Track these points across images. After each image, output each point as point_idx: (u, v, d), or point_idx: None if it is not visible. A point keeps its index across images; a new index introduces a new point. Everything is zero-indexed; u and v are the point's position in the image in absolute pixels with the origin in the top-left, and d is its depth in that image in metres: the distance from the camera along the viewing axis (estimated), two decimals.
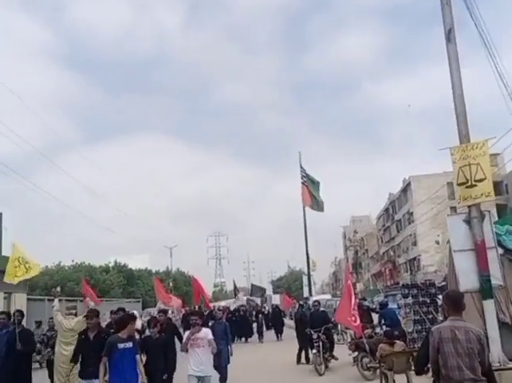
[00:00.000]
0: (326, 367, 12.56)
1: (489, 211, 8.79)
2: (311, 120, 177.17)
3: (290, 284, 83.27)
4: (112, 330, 7.94)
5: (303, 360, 14.35)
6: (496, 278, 8.43)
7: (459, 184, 8.66)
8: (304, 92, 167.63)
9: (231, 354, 10.61)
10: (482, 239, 8.42)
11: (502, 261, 8.67)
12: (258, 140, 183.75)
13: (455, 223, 8.85)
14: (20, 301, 30.33)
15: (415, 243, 58.44)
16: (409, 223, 60.06)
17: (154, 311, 33.65)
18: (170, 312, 28.30)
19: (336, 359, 12.87)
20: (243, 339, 24.44)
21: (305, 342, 14.32)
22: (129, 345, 6.95)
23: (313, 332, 12.89)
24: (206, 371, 7.75)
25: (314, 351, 12.52)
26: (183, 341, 8.20)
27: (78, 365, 8.20)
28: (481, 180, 8.52)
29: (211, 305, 27.79)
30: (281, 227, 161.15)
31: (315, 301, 16.62)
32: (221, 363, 10.30)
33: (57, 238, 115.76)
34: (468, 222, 8.62)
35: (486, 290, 8.30)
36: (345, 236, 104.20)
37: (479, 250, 8.40)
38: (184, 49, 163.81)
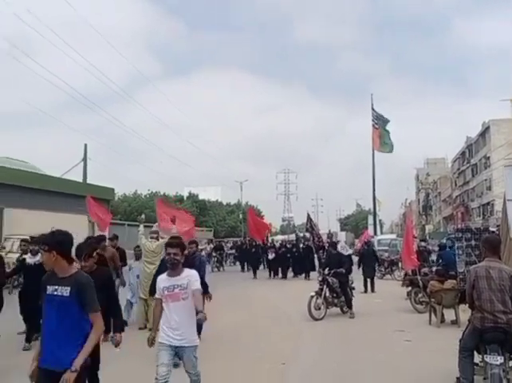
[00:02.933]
0: (342, 310, 11.62)
1: None
2: (392, 61, 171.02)
3: (358, 222, 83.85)
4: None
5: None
6: None
7: None
8: (386, 32, 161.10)
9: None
10: None
11: None
12: (336, 79, 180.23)
13: (511, 173, 9.23)
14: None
15: (489, 188, 56.93)
16: (485, 168, 58.33)
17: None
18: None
19: (352, 316, 11.25)
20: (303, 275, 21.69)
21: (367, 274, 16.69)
22: (62, 290, 3.62)
23: (322, 272, 11.81)
24: (186, 339, 4.75)
25: (312, 293, 11.05)
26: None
27: None
28: None
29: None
30: (352, 166, 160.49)
31: (332, 241, 16.86)
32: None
33: (134, 169, 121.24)
34: None
35: None
36: (418, 178, 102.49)
37: None
38: None
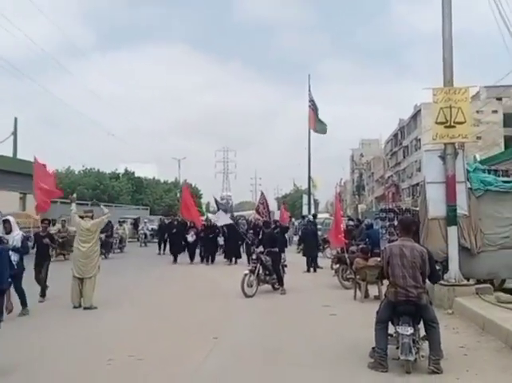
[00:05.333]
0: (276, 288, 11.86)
1: (462, 149, 9.79)
2: (331, 41, 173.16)
3: (295, 201, 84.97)
4: None
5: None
6: (462, 208, 9.60)
7: (438, 123, 9.57)
8: (327, 12, 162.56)
9: None
10: (453, 174, 9.49)
11: (469, 195, 9.75)
12: (277, 57, 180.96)
13: (431, 157, 9.93)
14: (34, 201, 32.11)
15: (419, 169, 59.37)
16: (416, 150, 60.71)
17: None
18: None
19: (283, 292, 11.66)
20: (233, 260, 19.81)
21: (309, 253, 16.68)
22: None
23: (256, 250, 12.05)
24: None
25: (246, 272, 11.42)
26: None
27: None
28: (461, 123, 9.45)
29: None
30: (291, 145, 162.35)
31: (265, 220, 15.22)
32: None
33: (67, 143, 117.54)
34: (442, 158, 9.65)
35: (451, 217, 9.48)
36: (353, 159, 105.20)
37: (449, 183, 9.50)
38: None
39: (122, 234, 26.10)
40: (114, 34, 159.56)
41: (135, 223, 34.81)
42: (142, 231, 32.34)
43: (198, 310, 9.71)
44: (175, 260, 20.12)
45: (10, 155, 32.42)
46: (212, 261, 19.73)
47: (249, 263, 14.56)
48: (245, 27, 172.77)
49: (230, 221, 19.19)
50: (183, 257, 20.12)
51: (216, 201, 21.94)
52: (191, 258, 19.93)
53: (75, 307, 9.71)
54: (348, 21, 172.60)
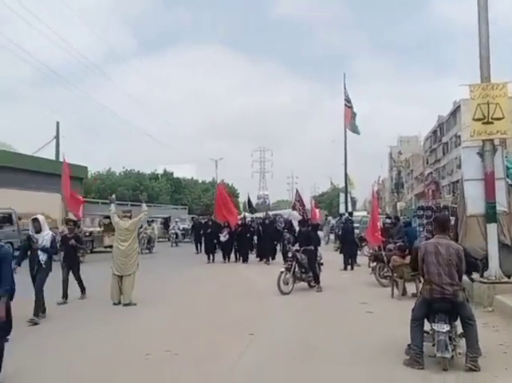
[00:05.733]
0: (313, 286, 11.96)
1: (501, 146, 9.60)
2: (369, 38, 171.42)
3: (332, 200, 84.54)
4: None
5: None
6: (501, 205, 9.42)
7: (476, 119, 9.41)
8: (364, 9, 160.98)
9: None
10: (492, 171, 9.32)
11: (509, 191, 9.55)
12: (313, 56, 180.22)
13: (469, 154, 9.77)
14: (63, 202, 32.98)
15: (459, 166, 58.07)
16: (456, 146, 59.42)
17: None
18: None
19: (319, 290, 11.76)
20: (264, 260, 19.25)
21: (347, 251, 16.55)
22: None
23: (292, 248, 12.19)
24: None
25: (282, 269, 11.59)
26: None
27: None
28: (499, 119, 9.27)
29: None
30: (328, 143, 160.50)
31: (302, 219, 15.34)
32: None
33: (107, 147, 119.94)
34: (481, 154, 9.48)
35: (490, 214, 9.31)
36: (391, 156, 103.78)
37: (488, 180, 9.33)
38: None
39: (151, 234, 25.32)
40: (150, 39, 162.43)
41: (166, 223, 34.04)
42: (173, 231, 31.19)
43: (234, 308, 9.82)
44: (209, 259, 19.78)
45: (53, 158, 33.31)
46: (246, 260, 19.42)
47: (284, 263, 14.68)
48: (280, 26, 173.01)
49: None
50: (219, 256, 20.01)
51: (249, 200, 21.90)
52: (224, 257, 19.74)
53: (115, 304, 9.97)
54: (385, 18, 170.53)
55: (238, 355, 6.36)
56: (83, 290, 10.81)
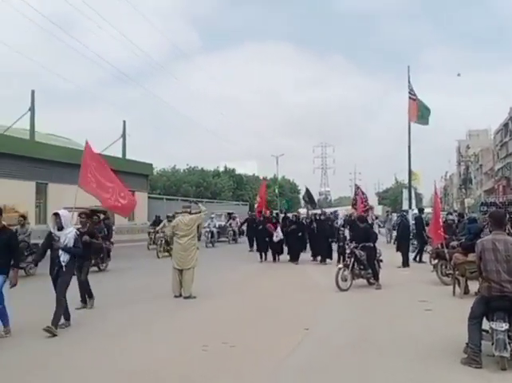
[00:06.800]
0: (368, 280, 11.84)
1: None
2: (434, 29, 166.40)
3: (397, 196, 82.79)
4: None
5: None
6: None
7: None
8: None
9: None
10: None
11: None
12: (377, 49, 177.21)
13: None
14: (142, 199, 34.03)
15: None
16: None
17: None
18: None
19: (378, 287, 11.53)
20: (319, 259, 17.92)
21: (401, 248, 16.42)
22: None
23: (350, 245, 12.04)
24: None
25: (340, 265, 11.81)
26: None
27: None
28: None
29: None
30: (393, 138, 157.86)
31: (360, 215, 14.53)
32: None
33: (172, 144, 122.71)
34: None
35: None
36: (459, 151, 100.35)
37: None
38: None
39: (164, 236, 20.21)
40: (215, 36, 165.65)
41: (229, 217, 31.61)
42: (208, 229, 26.33)
43: (291, 303, 9.90)
44: (261, 258, 18.63)
45: (120, 155, 34.50)
46: (297, 259, 17.85)
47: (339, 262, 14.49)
48: (345, 20, 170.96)
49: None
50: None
51: (308, 193, 21.30)
52: (274, 257, 18.41)
53: (176, 297, 10.29)
54: (452, 7, 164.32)
55: (291, 350, 6.42)
56: (90, 295, 9.34)
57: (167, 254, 18.60)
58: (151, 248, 22.48)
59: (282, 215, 21.77)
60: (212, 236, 26.59)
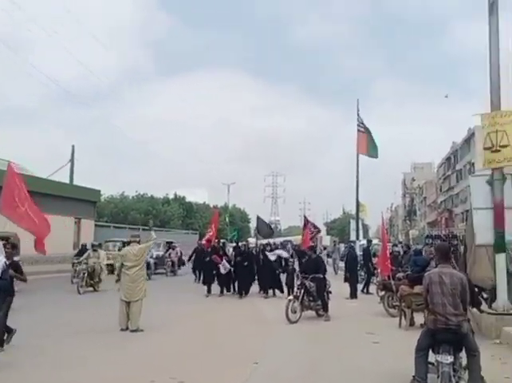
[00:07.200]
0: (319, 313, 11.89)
1: (511, 174, 9.57)
2: (384, 62, 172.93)
3: (344, 226, 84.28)
4: None
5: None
6: (510, 235, 9.34)
7: (486, 148, 9.46)
8: (381, 34, 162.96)
9: None
10: (502, 200, 9.29)
11: None
12: (328, 79, 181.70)
13: (478, 183, 9.77)
14: (88, 226, 33.29)
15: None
16: (469, 174, 59.09)
17: None
18: None
19: (327, 319, 11.61)
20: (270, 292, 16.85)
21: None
22: None
23: (300, 277, 12.06)
24: None
25: (290, 297, 11.67)
26: None
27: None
28: (505, 146, 9.30)
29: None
30: (342, 170, 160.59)
31: (310, 246, 15.11)
32: None
33: (121, 170, 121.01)
34: (490, 183, 9.47)
35: (499, 244, 9.27)
36: (405, 183, 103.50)
37: (497, 209, 9.31)
38: None
39: (94, 265, 17.61)
40: (169, 61, 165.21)
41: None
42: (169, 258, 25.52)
43: (240, 336, 9.81)
44: (209, 291, 17.15)
45: (67, 181, 33.74)
46: (246, 293, 16.76)
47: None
48: (298, 50, 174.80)
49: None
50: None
51: (258, 219, 20.92)
52: (222, 290, 17.12)
53: (122, 330, 9.96)
54: (402, 43, 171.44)
55: (242, 382, 6.33)
56: (9, 332, 8.18)
57: (91, 288, 17.20)
58: (74, 281, 18.29)
59: (234, 245, 20.55)
60: (148, 267, 19.99)
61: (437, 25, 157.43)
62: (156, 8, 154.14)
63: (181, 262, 27.44)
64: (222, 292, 17.18)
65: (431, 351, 5.81)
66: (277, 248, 20.04)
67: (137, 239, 11.12)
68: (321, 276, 12.01)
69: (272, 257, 17.15)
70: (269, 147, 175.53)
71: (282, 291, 16.39)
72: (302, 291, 11.59)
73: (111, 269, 19.91)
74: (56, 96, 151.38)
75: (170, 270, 26.50)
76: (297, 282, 12.27)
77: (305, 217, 22.08)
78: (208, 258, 17.71)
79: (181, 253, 27.13)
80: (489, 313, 8.96)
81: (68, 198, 29.56)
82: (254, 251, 18.46)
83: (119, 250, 18.26)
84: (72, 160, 34.48)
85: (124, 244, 18.43)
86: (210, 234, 18.97)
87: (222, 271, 16.89)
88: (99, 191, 38.64)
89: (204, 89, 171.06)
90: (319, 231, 20.91)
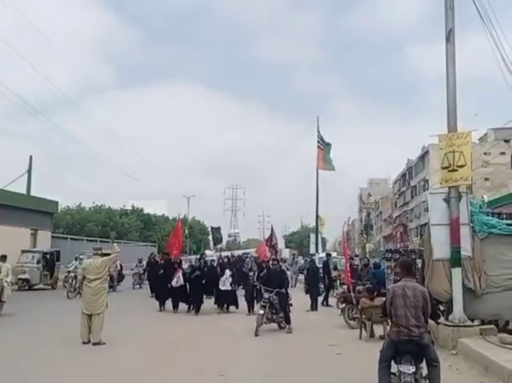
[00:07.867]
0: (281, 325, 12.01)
1: (466, 193, 10.04)
2: (342, 82, 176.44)
3: (302, 239, 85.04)
4: None
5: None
6: (466, 250, 9.74)
7: (443, 168, 9.88)
8: (340, 53, 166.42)
9: None
10: (457, 217, 9.69)
11: (473, 237, 9.91)
12: (289, 96, 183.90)
13: (435, 200, 10.18)
14: (45, 238, 32.49)
15: (427, 210, 58.82)
16: (424, 190, 60.82)
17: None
18: None
19: (289, 331, 11.76)
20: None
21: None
22: None
23: (263, 290, 12.15)
24: None
25: (261, 311, 11.59)
26: None
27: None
28: (462, 166, 9.74)
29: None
30: (300, 183, 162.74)
31: (274, 259, 14.99)
32: None
33: (79, 180, 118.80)
34: (447, 200, 9.88)
35: (455, 259, 9.64)
36: (361, 198, 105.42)
37: (453, 226, 9.70)
38: (228, 2, 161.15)
39: None
40: (130, 74, 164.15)
41: (48, 260, 24.66)
42: (72, 274, 20.04)
43: (203, 350, 9.81)
44: (161, 307, 16.30)
45: (24, 192, 32.92)
46: (198, 309, 15.51)
47: (249, 312, 14.78)
48: (260, 66, 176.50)
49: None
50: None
51: (212, 229, 20.91)
52: (174, 305, 16.05)
53: (84, 343, 9.83)
54: (361, 63, 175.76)
55: None
56: None
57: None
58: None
59: (197, 256, 19.15)
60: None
61: (394, 47, 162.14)
62: (117, 21, 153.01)
63: (121, 277, 25.25)
64: (174, 307, 16.07)
65: (393, 362, 6.06)
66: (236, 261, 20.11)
67: (99, 252, 11.07)
68: (284, 291, 12.19)
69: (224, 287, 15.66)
70: (229, 160, 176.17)
71: (237, 307, 15.93)
72: (268, 305, 11.69)
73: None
74: (12, 107, 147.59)
75: (108, 285, 24.02)
76: (260, 297, 12.33)
77: (271, 227, 22.31)
78: (161, 272, 16.81)
79: (121, 266, 24.88)
80: (446, 325, 9.29)
81: (24, 209, 28.82)
82: (213, 264, 17.33)
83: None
84: (29, 171, 33.66)
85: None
86: (176, 245, 17.99)
87: (174, 284, 15.79)
88: (56, 202, 37.76)
89: (164, 102, 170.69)
90: (276, 244, 21.23)
